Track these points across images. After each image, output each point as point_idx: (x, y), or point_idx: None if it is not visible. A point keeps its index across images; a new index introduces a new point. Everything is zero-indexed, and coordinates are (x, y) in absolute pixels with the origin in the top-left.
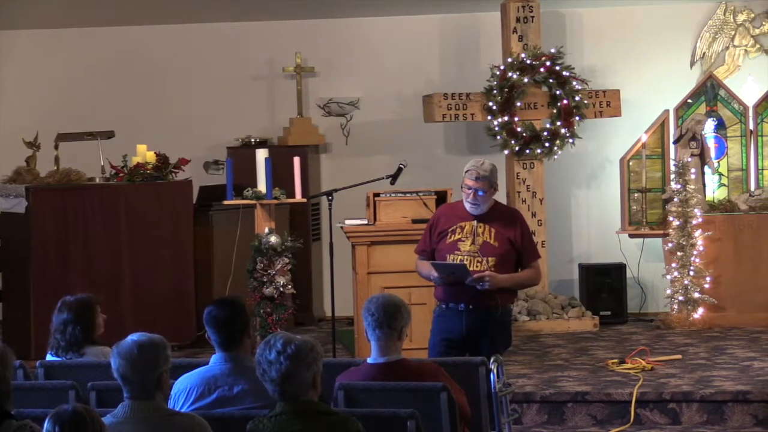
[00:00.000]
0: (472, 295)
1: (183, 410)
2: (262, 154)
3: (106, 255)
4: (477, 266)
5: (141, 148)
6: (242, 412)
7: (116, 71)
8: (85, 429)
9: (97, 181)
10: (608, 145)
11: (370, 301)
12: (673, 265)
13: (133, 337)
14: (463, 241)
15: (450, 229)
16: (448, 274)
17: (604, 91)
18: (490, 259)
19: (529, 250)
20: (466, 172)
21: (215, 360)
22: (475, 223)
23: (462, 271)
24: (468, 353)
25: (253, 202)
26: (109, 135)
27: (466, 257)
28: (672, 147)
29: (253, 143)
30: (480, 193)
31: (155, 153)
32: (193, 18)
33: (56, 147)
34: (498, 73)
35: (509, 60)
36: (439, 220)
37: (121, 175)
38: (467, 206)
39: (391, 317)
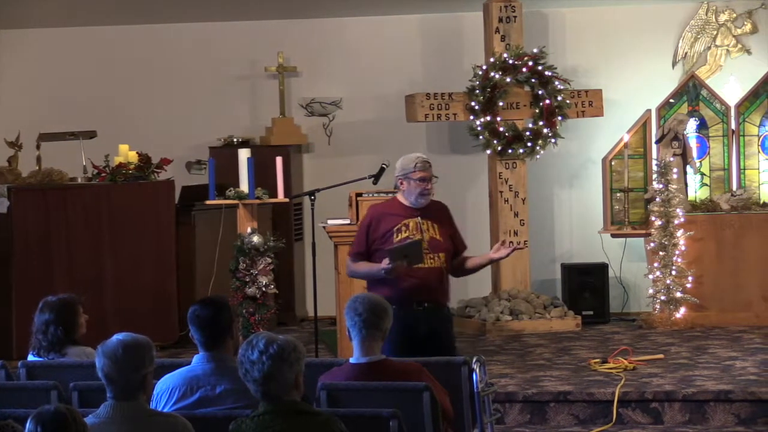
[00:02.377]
0: (429, 293)
1: (165, 410)
2: (244, 154)
3: (88, 255)
4: (430, 263)
5: (123, 148)
6: (225, 412)
7: (98, 71)
8: (68, 429)
9: (79, 181)
10: (590, 144)
11: (355, 300)
12: (656, 264)
13: (118, 337)
14: (412, 238)
15: (395, 228)
16: (402, 258)
17: (587, 91)
18: (440, 254)
19: (462, 242)
20: (416, 165)
21: (197, 360)
22: (419, 219)
23: (417, 249)
24: (427, 353)
25: (235, 201)
26: (91, 135)
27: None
28: (654, 147)
29: (235, 143)
30: (431, 182)
31: (137, 153)
32: (174, 18)
33: (38, 147)
34: (480, 72)
35: (492, 60)
36: (378, 221)
37: (103, 175)
38: (418, 200)
39: (379, 318)
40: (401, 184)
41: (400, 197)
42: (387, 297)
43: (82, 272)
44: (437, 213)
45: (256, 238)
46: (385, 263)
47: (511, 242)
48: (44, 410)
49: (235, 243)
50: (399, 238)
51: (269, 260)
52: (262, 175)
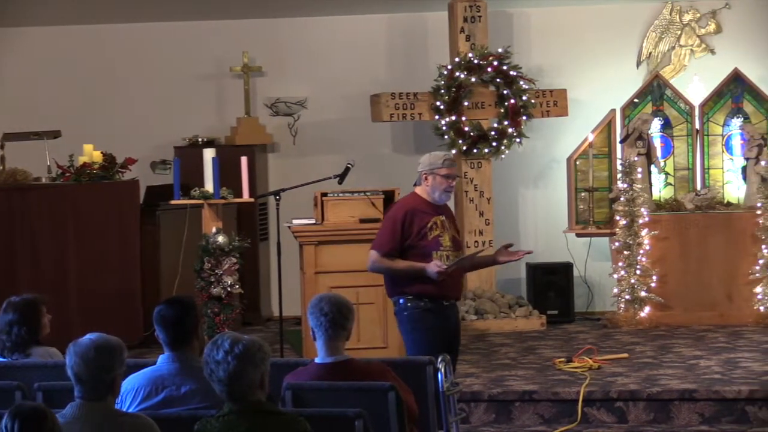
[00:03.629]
0: (457, 290)
1: (130, 410)
2: (209, 154)
3: (52, 255)
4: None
5: (87, 147)
6: (190, 412)
7: (62, 71)
8: (46, 425)
9: (44, 181)
10: (555, 144)
11: (320, 300)
12: (620, 264)
13: (91, 337)
14: (442, 236)
15: (428, 226)
16: (456, 265)
17: (551, 91)
18: (459, 252)
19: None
20: (444, 161)
21: (163, 360)
22: (442, 217)
23: (470, 259)
24: (455, 347)
25: (200, 201)
26: (55, 135)
27: (450, 253)
28: (619, 146)
29: (200, 143)
30: (455, 181)
31: (102, 153)
32: (139, 17)
33: (2, 147)
34: (445, 72)
35: (456, 60)
36: (411, 217)
37: (67, 175)
38: (444, 197)
39: (345, 318)
40: (425, 179)
41: (421, 193)
42: (421, 293)
43: (46, 272)
44: (449, 212)
45: (221, 238)
46: (435, 266)
47: (511, 245)
48: (22, 406)
49: (200, 243)
50: (433, 235)
51: (234, 260)
52: (227, 174)
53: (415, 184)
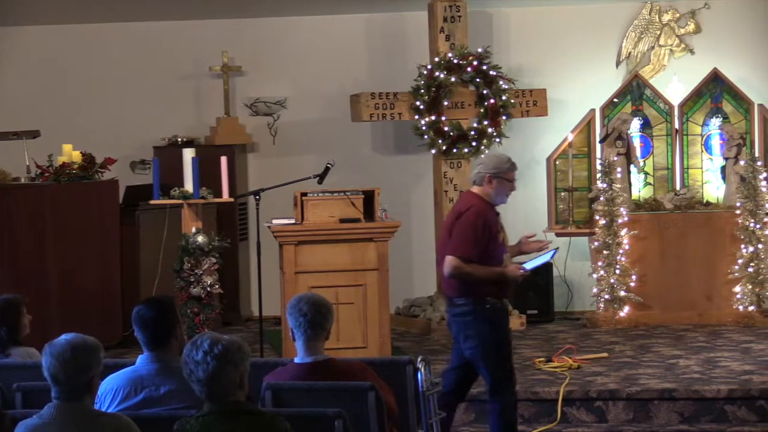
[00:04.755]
0: (510, 289)
1: (109, 411)
2: (188, 154)
3: (31, 255)
4: (510, 261)
5: (67, 147)
6: (169, 413)
7: (41, 70)
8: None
9: (23, 181)
10: (535, 144)
11: (299, 301)
12: (600, 263)
13: (66, 338)
14: (505, 238)
15: (497, 229)
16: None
17: (531, 91)
18: (509, 255)
19: None
20: (510, 165)
21: (142, 360)
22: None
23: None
24: None
25: (179, 201)
26: (34, 134)
27: (507, 254)
28: (598, 146)
29: (179, 143)
30: None
31: (81, 153)
32: (118, 17)
33: None
34: (425, 72)
35: (436, 59)
36: (490, 222)
37: (46, 174)
38: (504, 200)
39: (324, 318)
40: (490, 182)
41: (481, 194)
42: (492, 295)
43: (26, 272)
44: None
45: (200, 238)
46: (516, 268)
47: (534, 235)
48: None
49: (180, 243)
50: (501, 238)
51: (214, 260)
52: (206, 174)
53: (474, 183)
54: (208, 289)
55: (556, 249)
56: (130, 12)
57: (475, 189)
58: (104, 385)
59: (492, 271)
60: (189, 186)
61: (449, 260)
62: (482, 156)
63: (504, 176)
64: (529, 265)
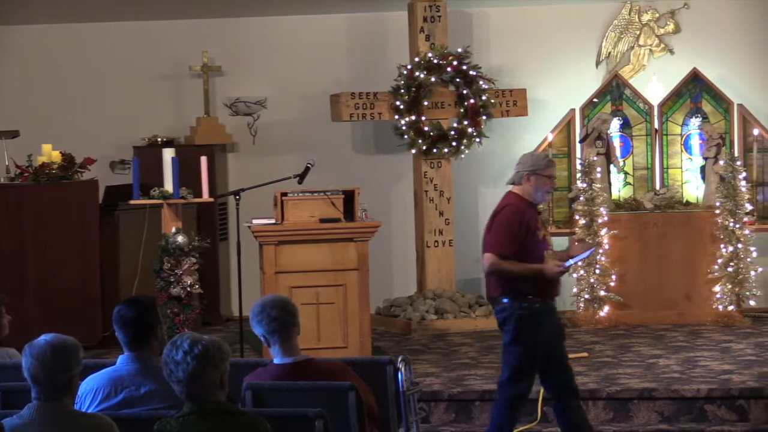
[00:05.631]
0: (558, 286)
1: (89, 411)
2: (168, 154)
3: (10, 255)
4: (553, 258)
5: (46, 147)
6: (149, 413)
7: (21, 70)
8: None
9: (2, 181)
10: (515, 144)
11: (263, 308)
12: (580, 263)
13: (46, 338)
14: (546, 235)
15: (537, 226)
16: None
17: (511, 91)
18: (552, 251)
19: None
20: (547, 162)
21: (122, 360)
22: (541, 216)
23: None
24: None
25: (159, 201)
26: (13, 134)
27: (551, 251)
28: (578, 146)
29: (159, 142)
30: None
31: (61, 153)
32: (98, 17)
33: None
34: (405, 72)
35: (416, 59)
36: (527, 219)
37: (26, 174)
38: (543, 197)
39: (292, 315)
40: (528, 179)
41: (521, 193)
42: (532, 291)
43: (5, 273)
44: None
45: (180, 238)
46: (555, 266)
47: (582, 240)
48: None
49: (160, 243)
50: (542, 235)
51: (194, 260)
52: (186, 174)
53: (512, 183)
54: (188, 289)
55: (597, 244)
56: (109, 12)
57: (515, 189)
58: (84, 386)
59: (530, 267)
60: (169, 186)
61: (486, 257)
62: (520, 156)
63: (541, 173)
64: (569, 262)
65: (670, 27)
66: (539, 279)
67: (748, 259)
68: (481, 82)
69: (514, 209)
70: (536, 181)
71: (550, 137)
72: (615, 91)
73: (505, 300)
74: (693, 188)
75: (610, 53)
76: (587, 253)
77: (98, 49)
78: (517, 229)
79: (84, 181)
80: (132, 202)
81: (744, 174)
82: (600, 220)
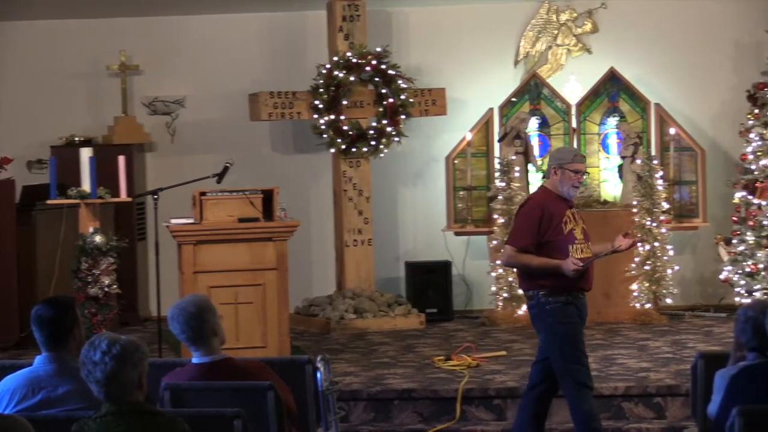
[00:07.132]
0: (588, 281)
1: (6, 412)
2: (86, 153)
3: None
4: (587, 252)
5: None
6: (67, 414)
7: None
8: None
9: None
10: (434, 143)
11: (180, 311)
12: (498, 262)
13: None
14: (575, 229)
15: (563, 220)
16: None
17: (430, 90)
18: (590, 244)
19: None
20: (574, 156)
21: (39, 361)
22: (573, 210)
23: (602, 255)
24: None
25: (77, 201)
26: None
27: (582, 245)
28: (496, 145)
29: (77, 142)
30: (584, 176)
31: None
32: (14, 15)
33: None
34: (324, 71)
35: (335, 58)
36: (550, 213)
37: None
38: (572, 192)
39: (205, 321)
40: (555, 173)
41: (551, 187)
42: (561, 287)
43: None
44: (573, 205)
45: (98, 238)
46: (572, 263)
47: (628, 233)
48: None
49: (77, 243)
50: (568, 229)
51: (112, 260)
52: (104, 174)
53: (544, 177)
54: (106, 289)
55: (641, 239)
56: (26, 10)
57: (547, 183)
58: (1, 387)
59: (547, 262)
60: (86, 185)
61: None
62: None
63: (567, 167)
64: (590, 259)
65: (588, 27)
66: (560, 274)
67: (665, 258)
68: (400, 82)
69: (536, 203)
70: (562, 175)
71: (469, 136)
72: (533, 91)
73: (531, 293)
74: (611, 187)
75: (528, 53)
76: (611, 249)
77: (15, 48)
78: (537, 223)
79: (0, 180)
80: (49, 201)
81: (661, 173)
82: None
